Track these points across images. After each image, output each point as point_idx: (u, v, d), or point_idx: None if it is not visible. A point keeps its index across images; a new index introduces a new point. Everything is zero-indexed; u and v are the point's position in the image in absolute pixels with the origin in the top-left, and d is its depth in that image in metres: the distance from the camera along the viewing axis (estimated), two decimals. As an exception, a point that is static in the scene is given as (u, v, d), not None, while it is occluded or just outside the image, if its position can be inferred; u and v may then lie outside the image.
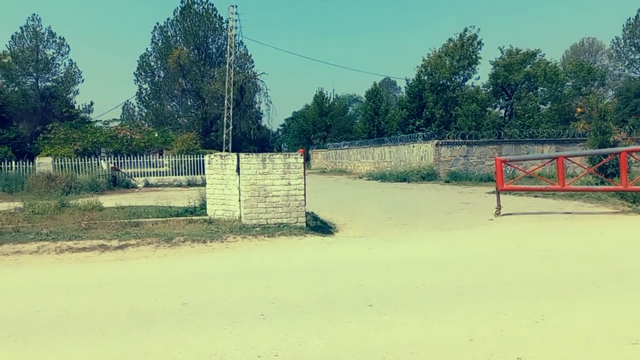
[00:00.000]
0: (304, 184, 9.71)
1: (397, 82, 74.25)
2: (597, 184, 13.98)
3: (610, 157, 13.61)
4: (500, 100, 36.37)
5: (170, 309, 5.05)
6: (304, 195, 9.71)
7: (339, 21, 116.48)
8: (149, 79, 49.71)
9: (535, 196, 14.84)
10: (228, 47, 37.38)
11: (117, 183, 23.40)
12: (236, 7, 36.51)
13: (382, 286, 5.79)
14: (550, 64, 34.69)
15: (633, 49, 51.28)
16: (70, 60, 47.27)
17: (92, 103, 48.46)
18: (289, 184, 9.54)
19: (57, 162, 23.32)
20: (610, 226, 9.96)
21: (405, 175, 25.48)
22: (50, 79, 46.41)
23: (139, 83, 49.79)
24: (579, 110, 18.43)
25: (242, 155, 9.79)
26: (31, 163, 23.28)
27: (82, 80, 47.72)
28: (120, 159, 25.14)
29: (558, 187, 11.95)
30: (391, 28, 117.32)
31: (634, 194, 12.44)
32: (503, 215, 11.62)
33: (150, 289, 5.88)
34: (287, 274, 6.53)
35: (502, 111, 36.93)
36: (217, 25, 48.31)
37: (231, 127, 36.47)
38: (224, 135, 36.35)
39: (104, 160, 25.69)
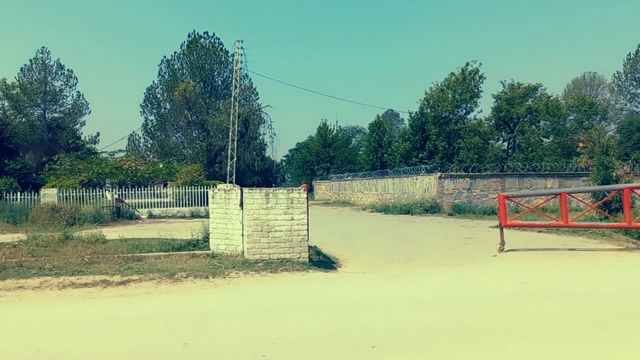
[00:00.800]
0: (307, 219, 9.72)
1: (400, 114, 74.82)
2: (600, 220, 13.94)
3: (614, 193, 13.60)
4: (503, 134, 36.58)
5: (171, 349, 5.01)
6: (307, 230, 9.71)
7: (342, 55, 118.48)
8: (155, 111, 50.36)
9: (539, 231, 14.78)
10: (234, 80, 37.96)
11: (120, 214, 23.44)
12: (242, 41, 37.24)
13: (386, 326, 5.73)
14: (552, 98, 35.03)
15: (634, 83, 51.79)
16: (78, 91, 47.89)
17: (98, 134, 49.02)
18: (292, 218, 9.55)
19: (62, 193, 23.42)
20: (615, 264, 9.88)
21: (409, 207, 25.45)
22: (57, 110, 47.07)
23: (145, 115, 50.45)
24: (581, 145, 18.52)
25: (245, 189, 9.83)
26: (36, 194, 23.39)
27: (89, 112, 48.43)
28: (125, 190, 25.24)
29: (562, 223, 11.92)
30: (394, 61, 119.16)
31: (638, 230, 12.38)
32: (507, 251, 11.55)
33: (151, 327, 5.84)
34: (289, 312, 6.49)
35: (505, 144, 37.13)
36: (223, 59, 49.18)
37: (235, 159, 36.70)
38: (228, 167, 36.54)
39: (109, 191, 25.80)
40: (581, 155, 18.90)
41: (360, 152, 53.05)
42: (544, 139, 34.92)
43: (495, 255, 11.16)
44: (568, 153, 31.14)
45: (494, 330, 5.51)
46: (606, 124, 43.22)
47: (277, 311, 6.54)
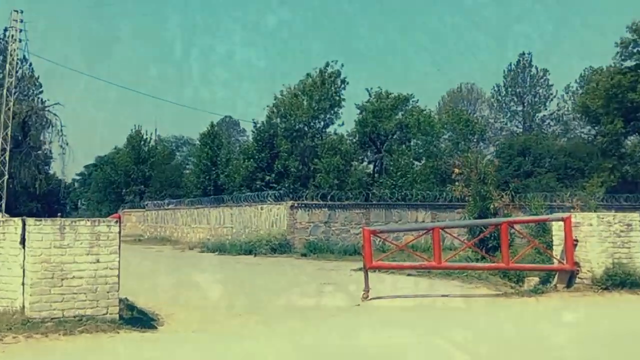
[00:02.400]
0: (119, 261, 9.62)
1: (241, 123, 75.57)
2: (477, 260, 15.71)
3: (491, 229, 15.46)
4: (368, 153, 39.17)
5: None
6: (118, 276, 9.59)
7: (166, 44, 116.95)
8: None
9: (409, 274, 16.15)
10: (7, 65, 35.63)
11: None
12: (22, 12, 35.16)
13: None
14: (424, 112, 38.49)
15: (515, 99, 58.35)
16: None
17: None
18: (98, 261, 9.38)
19: None
20: (491, 314, 11.28)
21: (252, 246, 25.91)
22: None
23: None
24: (456, 170, 20.64)
25: (30, 221, 9.44)
26: None
27: None
28: None
29: (434, 264, 13.27)
30: (235, 55, 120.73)
31: (517, 272, 14.20)
32: (372, 299, 12.47)
33: None
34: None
35: (371, 167, 39.70)
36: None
37: (6, 176, 34.25)
38: (-5, 188, 33.93)
39: None
40: (456, 183, 21.06)
41: (188, 172, 52.72)
42: (416, 162, 38.07)
43: (359, 305, 12.03)
44: (442, 180, 34.28)
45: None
46: (484, 146, 48.54)
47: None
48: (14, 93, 36.24)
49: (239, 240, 27.78)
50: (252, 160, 36.92)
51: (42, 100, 44.40)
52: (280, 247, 25.61)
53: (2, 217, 10.42)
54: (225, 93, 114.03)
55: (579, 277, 13.40)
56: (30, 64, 45.49)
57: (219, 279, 16.83)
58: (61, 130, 40.69)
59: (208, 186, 42.44)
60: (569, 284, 13.51)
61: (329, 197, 27.76)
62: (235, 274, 18.13)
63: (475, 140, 42.36)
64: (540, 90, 57.49)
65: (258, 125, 38.37)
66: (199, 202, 36.28)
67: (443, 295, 13.07)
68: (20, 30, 35.29)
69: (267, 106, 38.71)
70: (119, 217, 10.03)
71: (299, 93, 36.92)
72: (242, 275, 17.93)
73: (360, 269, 14.89)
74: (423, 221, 27.88)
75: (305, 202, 27.21)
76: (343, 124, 39.07)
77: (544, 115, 58.07)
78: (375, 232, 14.11)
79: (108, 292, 9.44)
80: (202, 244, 30.65)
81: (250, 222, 29.39)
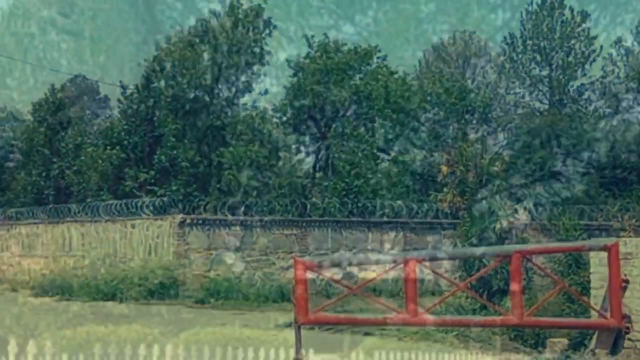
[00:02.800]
0: None
1: (101, 87, 73.90)
2: (474, 311, 15.96)
3: (496, 262, 15.75)
4: (307, 139, 39.01)
5: None
6: None
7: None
8: None
9: (367, 334, 16.34)
10: None
11: None
12: None
13: None
14: (397, 76, 38.57)
15: (538, 58, 58.21)
16: None
17: None
18: None
19: None
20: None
21: (116, 287, 25.55)
22: None
23: None
24: (444, 169, 20.90)
25: None
26: None
27: None
28: None
29: (406, 318, 13.41)
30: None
31: (535, 330, 14.48)
32: (307, 372, 12.68)
33: None
34: None
35: (310, 161, 39.62)
36: None
37: None
38: None
39: None
40: (445, 189, 21.24)
41: (13, 165, 51.83)
42: (382, 155, 38.10)
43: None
44: (424, 184, 34.48)
45: None
46: (489, 132, 48.62)
47: None
48: None
49: (95, 278, 27.35)
50: (118, 147, 36.33)
51: None
52: (162, 289, 25.32)
53: None
54: (76, 40, 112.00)
55: (629, 338, 13.53)
56: None
57: (58, 347, 16.75)
58: None
59: (45, 189, 41.72)
60: (615, 348, 13.64)
61: (242, 209, 27.62)
62: (89, 338, 18.07)
63: (474, 121, 42.49)
64: (577, 46, 56.84)
65: (129, 91, 37.86)
66: (30, 215, 35.74)
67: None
68: None
69: (145, 60, 38.22)
70: None
71: (196, 41, 36.51)
72: (98, 337, 17.89)
73: (290, 325, 14.94)
74: (392, 249, 28.04)
75: (204, 216, 27.05)
76: (266, 92, 38.87)
77: (582, 85, 57.64)
78: (314, 266, 14.26)
79: None
80: (34, 282, 30.09)
81: (114, 247, 29.05)
